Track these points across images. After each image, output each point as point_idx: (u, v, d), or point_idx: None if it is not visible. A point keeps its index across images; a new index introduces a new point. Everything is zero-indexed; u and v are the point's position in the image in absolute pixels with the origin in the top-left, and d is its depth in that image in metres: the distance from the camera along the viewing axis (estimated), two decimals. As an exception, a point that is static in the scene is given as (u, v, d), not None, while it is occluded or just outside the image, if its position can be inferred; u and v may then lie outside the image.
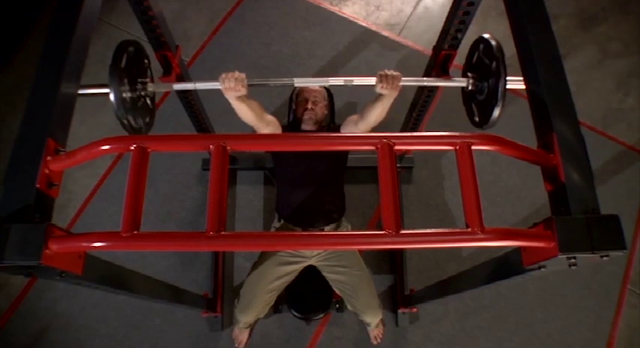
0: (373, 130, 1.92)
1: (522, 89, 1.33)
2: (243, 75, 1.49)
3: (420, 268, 2.57)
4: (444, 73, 1.61)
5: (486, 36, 1.31)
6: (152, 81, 1.46)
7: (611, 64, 3.20)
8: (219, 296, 2.39)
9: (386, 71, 1.50)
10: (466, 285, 1.35)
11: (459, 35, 1.50)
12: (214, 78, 3.05)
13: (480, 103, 1.39)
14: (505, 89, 1.23)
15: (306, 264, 2.06)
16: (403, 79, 1.49)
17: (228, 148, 0.75)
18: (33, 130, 0.84)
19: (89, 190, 2.79)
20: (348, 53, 3.11)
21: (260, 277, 2.00)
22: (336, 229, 2.07)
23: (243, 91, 1.52)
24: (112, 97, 1.22)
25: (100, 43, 3.22)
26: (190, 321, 2.45)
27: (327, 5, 3.27)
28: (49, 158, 0.82)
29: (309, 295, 2.18)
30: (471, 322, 2.51)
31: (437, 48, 1.62)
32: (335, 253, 2.04)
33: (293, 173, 2.02)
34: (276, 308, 2.29)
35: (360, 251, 2.22)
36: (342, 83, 1.45)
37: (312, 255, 2.04)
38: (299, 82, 1.47)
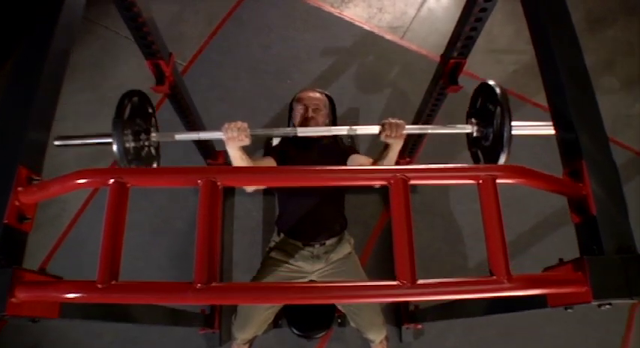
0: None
1: (531, 134, 1.32)
2: (245, 124, 1.45)
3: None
4: (452, 83, 1.53)
5: (491, 83, 1.29)
6: (157, 130, 1.45)
7: (620, 69, 3.11)
8: (217, 311, 2.30)
9: (390, 119, 1.47)
10: (476, 311, 1.25)
11: (470, 43, 1.42)
12: (212, 83, 3.00)
13: (485, 149, 1.36)
14: (510, 136, 1.20)
15: (307, 279, 1.97)
16: (407, 126, 1.46)
17: (219, 183, 0.66)
18: (1, 156, 0.75)
19: (83, 200, 2.71)
20: (349, 57, 3.02)
21: (258, 293, 1.91)
22: (338, 243, 1.99)
23: (247, 142, 1.47)
24: (115, 149, 1.21)
25: (95, 46, 3.14)
26: (188, 336, 2.36)
27: (327, 7, 3.18)
28: (20, 189, 0.73)
29: (310, 312, 2.09)
30: (477, 336, 2.43)
31: (445, 56, 1.53)
32: (337, 269, 1.96)
33: (293, 186, 1.94)
34: (275, 323, 2.20)
35: (363, 265, 2.13)
36: (346, 133, 1.45)
37: (313, 270, 1.96)
38: (302, 132, 1.46)
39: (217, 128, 2.73)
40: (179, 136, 1.44)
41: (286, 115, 2.46)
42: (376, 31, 3.12)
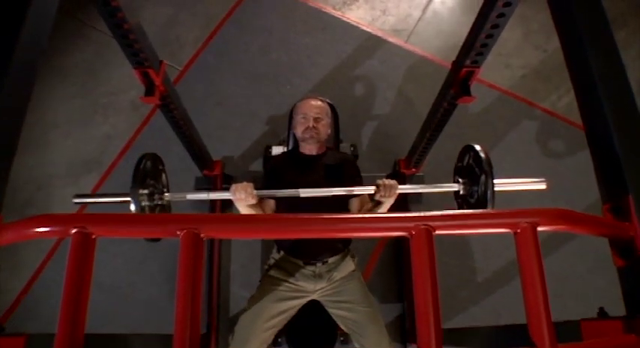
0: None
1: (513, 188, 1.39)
2: (251, 186, 1.57)
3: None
4: (464, 93, 1.41)
5: (477, 147, 1.38)
6: (168, 187, 1.58)
7: (632, 72, 3.00)
8: (214, 330, 2.19)
9: (384, 181, 1.56)
10: (491, 344, 1.14)
11: (485, 50, 1.30)
12: (209, 88, 2.90)
13: (471, 205, 1.46)
14: (494, 196, 1.28)
15: (308, 299, 1.86)
16: (400, 186, 1.55)
17: (203, 235, 0.54)
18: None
19: (75, 211, 2.59)
20: (352, 61, 2.91)
21: (257, 314, 1.80)
22: (341, 261, 1.88)
23: (253, 201, 1.59)
24: (132, 209, 1.31)
25: (88, 51, 3.04)
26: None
27: (329, 10, 3.07)
28: (-30, 232, 0.62)
29: (311, 331, 1.98)
30: (487, 355, 2.31)
31: (457, 63, 1.42)
32: (339, 288, 1.85)
33: (293, 201, 1.82)
34: (275, 341, 2.09)
35: (366, 281, 2.02)
36: (344, 193, 1.54)
37: (315, 289, 1.85)
38: (305, 193, 1.54)
39: (214, 136, 2.64)
40: (190, 196, 1.55)
41: (286, 122, 2.35)
42: (379, 34, 3.00)
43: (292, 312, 1.86)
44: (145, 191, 1.40)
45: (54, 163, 2.75)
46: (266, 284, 1.86)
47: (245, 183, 1.58)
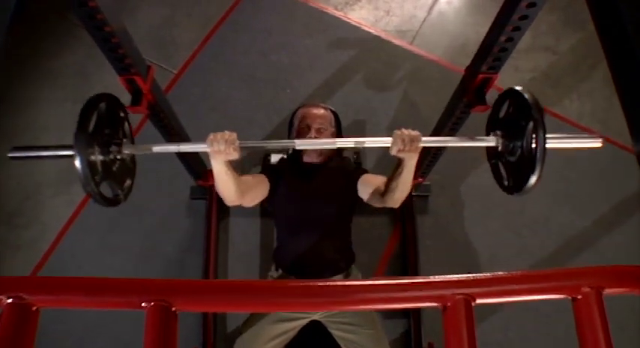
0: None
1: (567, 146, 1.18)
2: (234, 135, 1.26)
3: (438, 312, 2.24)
4: (479, 102, 1.30)
5: (519, 88, 1.15)
6: (132, 141, 1.27)
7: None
8: (210, 347, 2.08)
9: (403, 131, 1.26)
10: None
11: (504, 55, 1.19)
12: (205, 92, 2.78)
13: (510, 165, 1.20)
14: (544, 154, 1.04)
15: (308, 320, 1.75)
16: (424, 138, 1.27)
17: (175, 309, 0.41)
18: None
19: (64, 221, 2.48)
20: (354, 64, 2.79)
21: (254, 337, 1.69)
22: (345, 280, 1.76)
23: (235, 155, 1.27)
24: (77, 165, 1.03)
25: (80, 52, 2.92)
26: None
27: (331, 10, 2.95)
28: None
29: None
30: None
31: (471, 69, 1.30)
32: (342, 308, 1.74)
33: (292, 214, 1.72)
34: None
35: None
36: (353, 145, 1.30)
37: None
38: (301, 145, 1.30)
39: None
40: (157, 148, 1.25)
41: (285, 128, 2.23)
42: (383, 35, 2.88)
43: (292, 334, 1.75)
44: (96, 142, 1.10)
45: (43, 171, 2.63)
46: (264, 303, 1.75)
47: (227, 132, 1.26)
